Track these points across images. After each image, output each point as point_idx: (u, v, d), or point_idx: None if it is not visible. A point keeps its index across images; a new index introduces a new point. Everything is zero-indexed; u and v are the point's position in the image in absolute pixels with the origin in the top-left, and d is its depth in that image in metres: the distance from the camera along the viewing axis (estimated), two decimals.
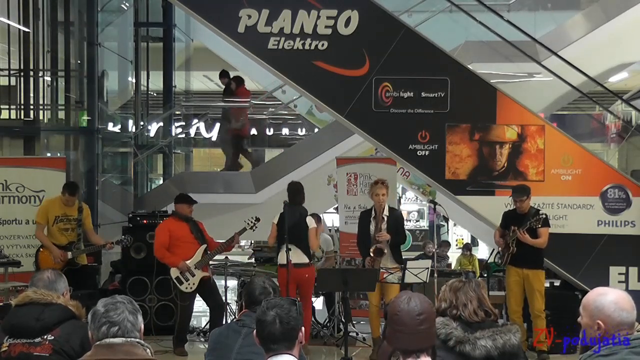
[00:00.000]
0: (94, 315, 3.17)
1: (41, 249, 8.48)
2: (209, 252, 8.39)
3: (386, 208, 8.20)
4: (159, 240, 8.37)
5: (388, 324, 3.02)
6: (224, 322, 8.39)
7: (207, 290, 8.45)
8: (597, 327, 3.28)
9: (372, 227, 8.18)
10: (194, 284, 8.27)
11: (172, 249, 8.32)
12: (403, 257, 8.35)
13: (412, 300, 2.97)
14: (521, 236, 7.89)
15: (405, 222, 8.63)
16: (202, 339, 8.99)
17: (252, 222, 8.46)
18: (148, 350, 3.20)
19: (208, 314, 8.88)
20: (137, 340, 3.17)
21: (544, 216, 7.93)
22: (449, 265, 13.04)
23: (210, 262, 8.62)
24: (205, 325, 9.25)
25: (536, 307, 7.98)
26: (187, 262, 8.25)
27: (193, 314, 8.84)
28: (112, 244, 8.61)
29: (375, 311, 8.26)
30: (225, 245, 8.47)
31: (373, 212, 8.24)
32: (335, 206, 11.20)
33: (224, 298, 9.09)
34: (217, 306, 8.51)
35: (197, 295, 8.49)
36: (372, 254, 8.05)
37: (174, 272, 8.27)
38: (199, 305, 8.89)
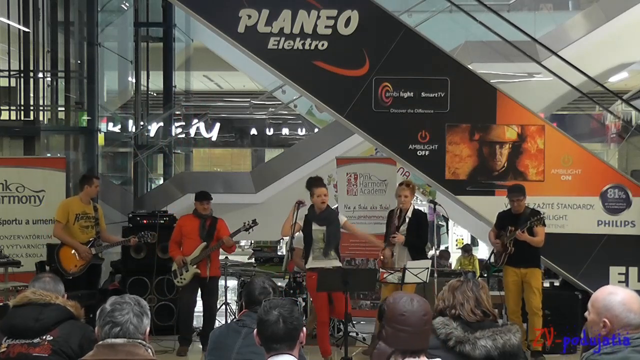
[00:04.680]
0: (101, 313, 3.17)
1: (61, 247, 8.40)
2: (207, 249, 8.43)
3: (411, 209, 8.24)
4: (172, 235, 8.71)
5: (389, 325, 3.00)
6: (215, 325, 8.42)
7: (205, 290, 8.55)
8: (603, 325, 3.30)
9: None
10: (184, 279, 8.45)
11: (182, 244, 8.58)
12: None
13: (415, 300, 2.99)
14: (521, 235, 7.88)
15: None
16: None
17: (249, 224, 8.43)
18: (150, 350, 3.19)
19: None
20: (139, 341, 3.16)
21: (543, 216, 7.94)
22: (449, 265, 13.05)
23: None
24: None
25: (533, 304, 7.97)
26: (187, 257, 8.41)
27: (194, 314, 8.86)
28: (135, 238, 8.65)
29: None
30: (219, 244, 8.50)
31: (397, 211, 8.28)
32: (335, 206, 11.19)
33: (224, 298, 9.12)
34: (207, 308, 8.61)
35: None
36: (381, 257, 8.12)
37: (174, 266, 8.55)
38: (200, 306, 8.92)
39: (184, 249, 8.52)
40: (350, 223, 8.25)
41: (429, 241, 13.25)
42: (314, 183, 7.91)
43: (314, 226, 7.80)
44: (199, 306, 8.82)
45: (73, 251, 8.39)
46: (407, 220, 8.18)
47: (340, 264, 7.88)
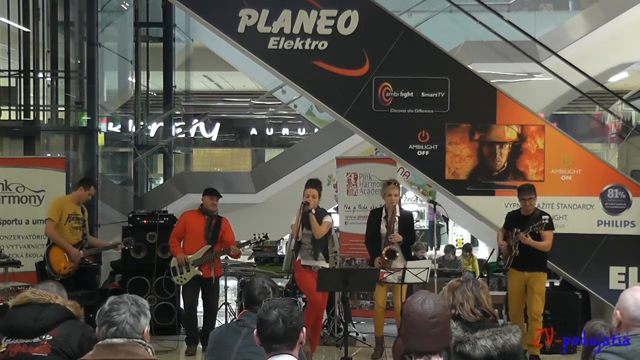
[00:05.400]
0: (100, 313, 3.18)
1: (52, 247, 8.32)
2: (212, 253, 8.42)
3: (397, 208, 8.24)
4: (175, 229, 8.69)
5: (402, 323, 3.00)
6: (216, 324, 8.42)
7: (207, 290, 8.53)
8: (616, 317, 3.49)
9: (382, 227, 8.20)
10: (185, 278, 8.42)
11: (184, 240, 8.54)
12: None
13: (426, 302, 2.92)
14: (524, 240, 7.84)
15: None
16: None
17: (260, 237, 8.44)
18: (149, 349, 3.19)
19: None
20: (139, 340, 3.15)
21: (546, 221, 7.79)
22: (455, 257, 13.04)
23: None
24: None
25: (534, 309, 7.92)
26: (189, 257, 8.37)
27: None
28: (121, 244, 8.66)
29: (380, 311, 8.26)
30: (225, 252, 8.50)
31: (384, 211, 8.26)
32: (335, 206, 11.19)
33: (224, 298, 9.12)
34: (208, 307, 8.61)
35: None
36: (385, 256, 8.05)
37: (173, 262, 8.49)
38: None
39: (186, 247, 8.47)
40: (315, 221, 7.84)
41: (429, 241, 13.29)
42: (306, 183, 8.02)
43: (304, 229, 7.84)
44: (200, 305, 8.83)
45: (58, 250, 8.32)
46: (396, 219, 8.19)
47: (327, 266, 7.93)
